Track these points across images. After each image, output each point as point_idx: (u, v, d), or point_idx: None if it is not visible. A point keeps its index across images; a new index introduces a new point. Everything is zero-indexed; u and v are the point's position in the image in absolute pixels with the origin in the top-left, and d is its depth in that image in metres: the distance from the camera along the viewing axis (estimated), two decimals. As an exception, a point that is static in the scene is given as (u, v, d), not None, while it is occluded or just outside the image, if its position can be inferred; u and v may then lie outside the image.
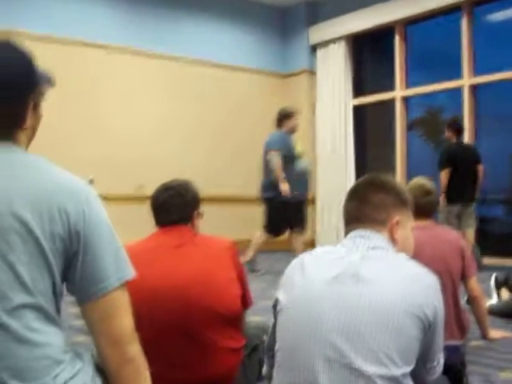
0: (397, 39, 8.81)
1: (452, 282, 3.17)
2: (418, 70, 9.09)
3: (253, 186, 8.50)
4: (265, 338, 2.23)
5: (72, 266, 1.36)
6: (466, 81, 7.93)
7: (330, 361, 1.44)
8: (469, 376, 2.20)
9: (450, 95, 8.71)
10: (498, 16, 8.22)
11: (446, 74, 8.33)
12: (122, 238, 1.44)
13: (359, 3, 8.86)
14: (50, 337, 1.32)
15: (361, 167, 9.24)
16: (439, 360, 1.69)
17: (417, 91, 8.75)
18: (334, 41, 9.36)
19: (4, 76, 1.37)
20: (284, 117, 6.74)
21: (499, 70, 7.65)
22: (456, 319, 3.17)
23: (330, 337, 1.46)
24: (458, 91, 8.06)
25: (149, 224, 2.64)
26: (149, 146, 8.35)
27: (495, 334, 3.61)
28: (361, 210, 1.73)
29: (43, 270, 1.31)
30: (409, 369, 1.47)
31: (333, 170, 9.28)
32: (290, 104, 7.46)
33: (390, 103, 8.97)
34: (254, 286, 4.72)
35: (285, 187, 6.39)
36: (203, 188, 3.03)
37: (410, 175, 8.46)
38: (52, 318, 1.34)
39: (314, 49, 9.73)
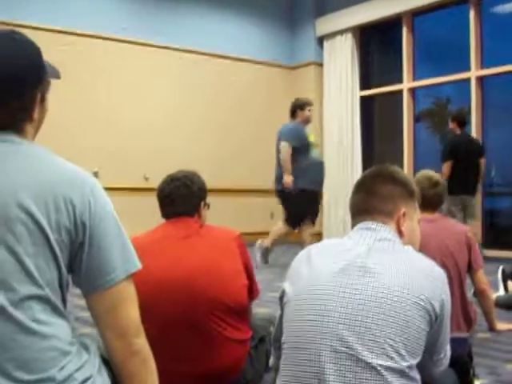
0: (404, 31, 8.77)
1: (458, 274, 3.17)
2: (426, 62, 9.04)
3: (259, 177, 8.51)
4: (271, 329, 2.23)
5: (78, 258, 1.36)
6: (474, 72, 7.90)
7: (337, 352, 1.44)
8: (475, 368, 2.19)
9: (458, 87, 8.68)
10: (506, 8, 8.16)
11: (453, 66, 8.30)
12: (128, 230, 1.44)
13: (366, -6, 8.82)
14: (56, 328, 1.31)
15: (368, 159, 9.21)
16: (446, 352, 1.69)
17: (424, 83, 8.71)
18: (341, 32, 9.33)
19: (12, 68, 1.36)
20: (298, 107, 6.71)
21: (507, 61, 7.61)
22: (462, 311, 3.18)
23: (337, 329, 1.46)
24: (465, 83, 8.03)
25: (155, 215, 2.64)
26: (156, 137, 8.35)
27: (502, 326, 3.60)
28: (368, 202, 1.72)
29: (49, 262, 1.31)
30: (415, 361, 1.47)
31: (340, 163, 9.26)
32: (296, 96, 7.43)
33: (398, 95, 8.94)
34: (261, 277, 4.72)
35: (288, 179, 6.37)
36: (210, 179, 3.02)
37: (417, 167, 8.44)
38: (58, 309, 1.33)
39: (321, 40, 9.71)
